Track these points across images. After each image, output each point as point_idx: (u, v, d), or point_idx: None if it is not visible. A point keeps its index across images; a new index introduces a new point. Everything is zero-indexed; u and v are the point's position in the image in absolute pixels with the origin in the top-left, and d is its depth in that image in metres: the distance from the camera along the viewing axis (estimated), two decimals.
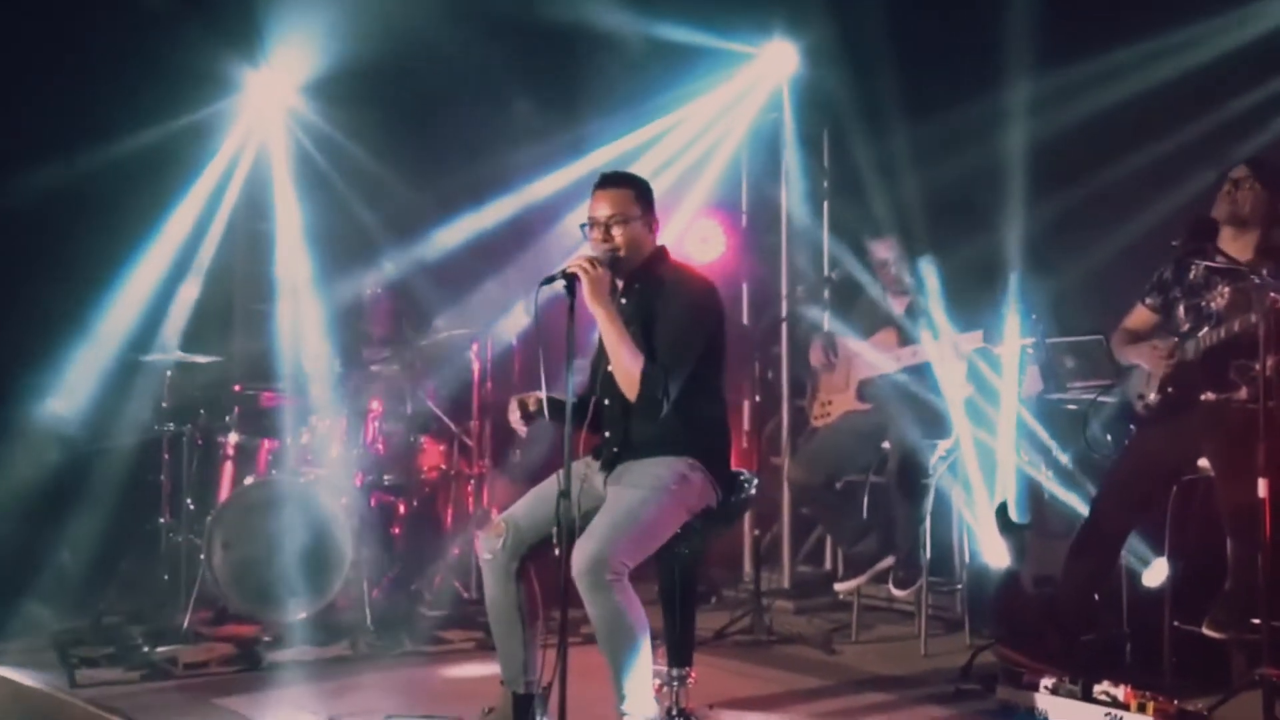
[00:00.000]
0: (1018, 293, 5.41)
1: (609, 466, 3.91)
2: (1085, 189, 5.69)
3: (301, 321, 6.50)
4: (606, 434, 3.95)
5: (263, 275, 7.07)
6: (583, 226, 3.94)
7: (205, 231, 6.83)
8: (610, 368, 3.87)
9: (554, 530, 3.61)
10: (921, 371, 5.44)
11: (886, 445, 5.55)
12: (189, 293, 6.62)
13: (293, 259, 6.85)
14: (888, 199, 6.16)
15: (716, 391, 3.97)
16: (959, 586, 5.65)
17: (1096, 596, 4.57)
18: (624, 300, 3.95)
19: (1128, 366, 4.69)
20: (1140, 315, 4.71)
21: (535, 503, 3.88)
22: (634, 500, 3.72)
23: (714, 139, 7.19)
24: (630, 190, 3.95)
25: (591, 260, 3.76)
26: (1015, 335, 5.16)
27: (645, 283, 3.96)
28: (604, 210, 3.92)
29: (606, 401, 3.93)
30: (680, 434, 3.83)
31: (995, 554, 5.44)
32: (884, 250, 5.65)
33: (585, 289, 3.73)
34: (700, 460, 3.85)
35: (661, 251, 4.03)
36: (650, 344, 3.82)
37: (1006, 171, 5.87)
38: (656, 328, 3.84)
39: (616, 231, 3.90)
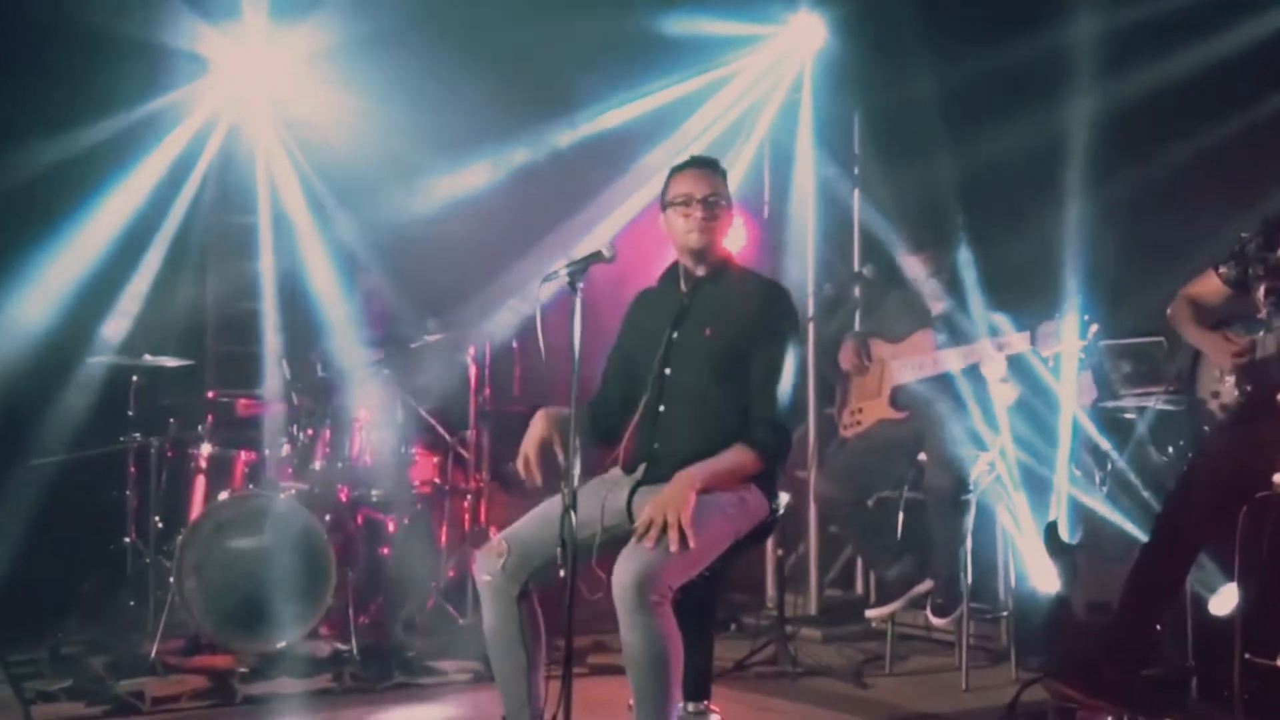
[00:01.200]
0: (1071, 290, 5.41)
1: (648, 481, 3.85)
2: (1148, 172, 5.64)
3: (282, 322, 6.49)
4: (656, 445, 3.90)
5: (240, 272, 7.08)
6: (668, 208, 3.90)
7: (171, 225, 6.82)
8: (668, 370, 3.85)
9: (559, 549, 3.58)
10: (962, 377, 5.45)
11: (923, 457, 5.56)
12: (159, 291, 6.62)
13: (276, 253, 6.85)
14: (924, 187, 6.16)
15: None
16: (1004, 614, 5.66)
17: (1158, 626, 4.51)
18: (686, 302, 3.92)
19: (1191, 365, 4.60)
20: (1209, 284, 4.48)
21: (540, 519, 3.85)
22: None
23: (733, 120, 7.21)
24: (720, 175, 3.93)
25: (657, 525, 3.55)
26: (1068, 336, 5.12)
27: (715, 282, 3.93)
28: (705, 188, 3.86)
29: (663, 409, 3.88)
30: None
31: (1044, 578, 5.41)
32: (918, 266, 5.66)
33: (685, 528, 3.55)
34: (757, 481, 3.82)
35: (729, 251, 4.01)
36: (727, 350, 3.79)
37: (1059, 154, 5.85)
38: (752, 352, 3.78)
39: (715, 213, 3.85)
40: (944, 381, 5.48)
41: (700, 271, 3.93)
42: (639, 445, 3.94)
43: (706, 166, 3.93)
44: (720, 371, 3.80)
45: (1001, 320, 5.37)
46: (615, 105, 7.03)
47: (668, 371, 3.87)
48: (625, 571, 3.52)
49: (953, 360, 5.45)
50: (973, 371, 5.42)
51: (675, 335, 3.88)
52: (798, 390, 3.84)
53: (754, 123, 7.19)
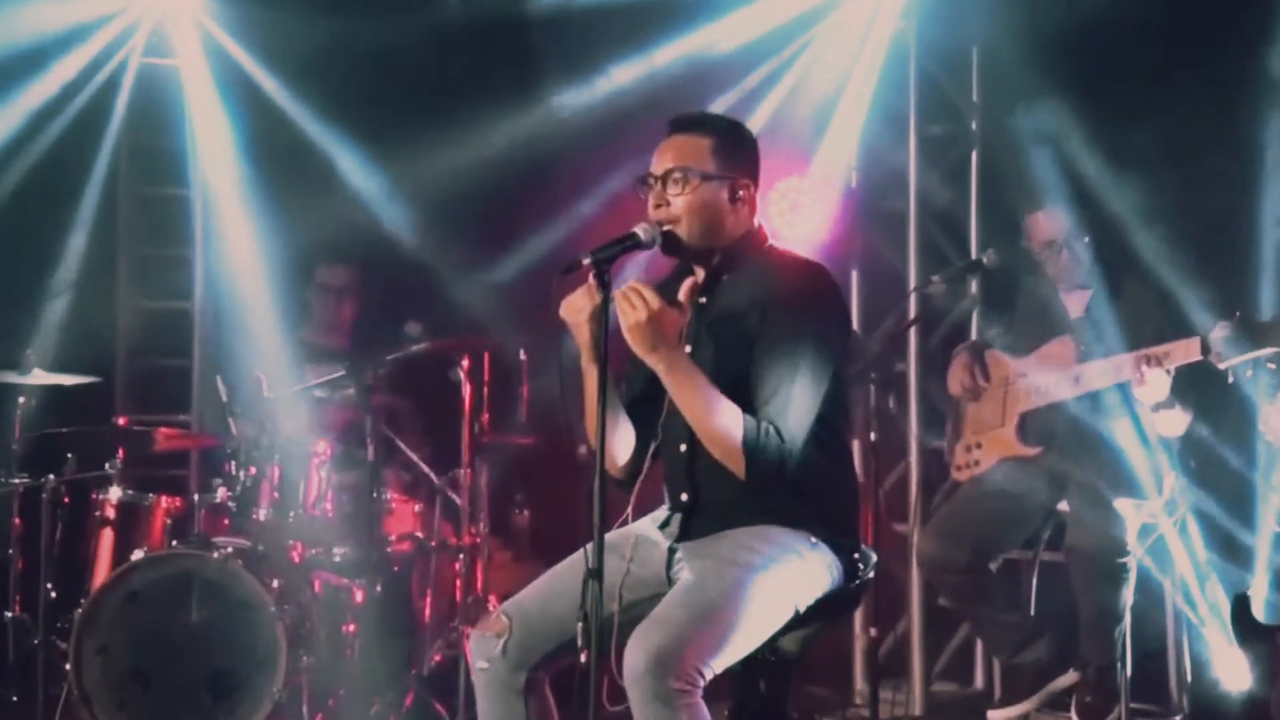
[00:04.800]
0: (1263, 276, 5.43)
1: (684, 538, 3.89)
2: None
3: (217, 326, 6.51)
4: (683, 495, 3.93)
5: (163, 260, 7.09)
6: (640, 185, 3.95)
7: (69, 195, 6.86)
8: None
9: (579, 627, 3.55)
10: (1114, 400, 5.42)
11: (1064, 508, 5.54)
12: (55, 285, 6.67)
13: (216, 233, 6.89)
14: (1062, 146, 6.15)
15: (839, 433, 3.96)
16: (1176, 718, 5.63)
17: None
18: (702, 301, 3.94)
19: None
20: None
21: (553, 587, 3.87)
22: (723, 584, 3.70)
23: (809, 59, 7.25)
24: (707, 137, 3.95)
25: (639, 290, 3.67)
26: (1261, 338, 5.03)
27: (734, 277, 3.94)
28: (667, 159, 3.92)
29: (683, 448, 3.91)
30: (795, 493, 3.82)
31: (1232, 670, 5.34)
32: (1049, 225, 5.62)
33: (628, 334, 3.67)
34: (821, 533, 3.84)
35: (757, 234, 4.02)
36: (743, 378, 3.79)
37: (1249, 97, 5.82)
38: (757, 353, 3.81)
39: (674, 192, 3.88)
40: (1093, 406, 5.46)
41: (702, 270, 3.96)
42: (668, 494, 3.99)
43: (680, 129, 3.98)
44: (742, 386, 3.81)
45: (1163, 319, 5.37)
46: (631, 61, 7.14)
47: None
48: (638, 651, 3.54)
49: (1103, 375, 5.41)
50: (1127, 392, 5.40)
51: (690, 348, 3.91)
52: (808, 387, 3.78)
53: (839, 62, 7.22)
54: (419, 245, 7.06)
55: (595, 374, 3.70)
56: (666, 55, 7.14)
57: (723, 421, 3.71)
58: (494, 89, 7.14)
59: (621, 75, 7.17)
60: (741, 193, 3.95)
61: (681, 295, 3.80)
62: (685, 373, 3.72)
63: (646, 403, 3.97)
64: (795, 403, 3.75)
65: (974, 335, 6.71)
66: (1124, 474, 5.36)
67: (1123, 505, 5.32)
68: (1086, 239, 5.59)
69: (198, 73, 7.16)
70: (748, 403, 3.76)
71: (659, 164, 3.93)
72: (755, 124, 6.91)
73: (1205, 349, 5.09)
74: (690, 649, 3.54)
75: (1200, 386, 5.35)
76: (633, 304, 3.65)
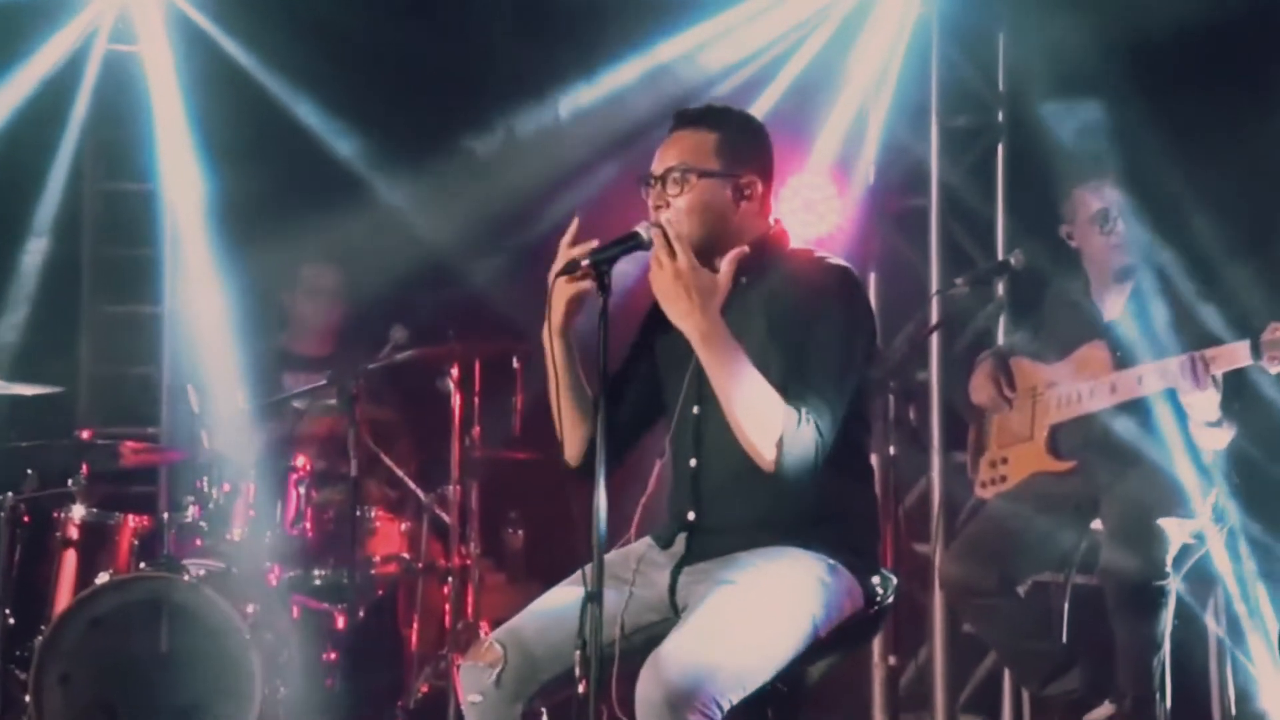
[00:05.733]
0: None
1: (691, 559, 3.87)
2: None
3: (190, 331, 6.49)
4: (690, 514, 3.92)
5: (130, 262, 7.08)
6: (643, 186, 3.95)
7: (25, 190, 6.86)
8: (696, 410, 3.89)
9: (577, 655, 3.55)
10: (1153, 410, 5.40)
11: (1098, 526, 5.53)
12: (10, 285, 6.67)
13: (180, 233, 6.87)
14: (1097, 132, 6.16)
15: (859, 447, 3.97)
16: None
17: None
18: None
19: None
20: None
21: (549, 614, 3.85)
22: (740, 610, 3.68)
23: (826, 47, 7.24)
24: (713, 132, 3.95)
25: (665, 230, 3.66)
26: None
27: (752, 281, 3.93)
28: (669, 157, 3.93)
29: (693, 462, 3.91)
30: (813, 513, 3.82)
31: (1279, 701, 5.43)
32: (1099, 196, 5.60)
33: (662, 288, 3.66)
34: (843, 556, 3.83)
35: (775, 234, 4.02)
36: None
37: None
38: (778, 352, 3.80)
39: (673, 192, 3.89)
40: (1131, 416, 5.44)
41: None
42: (671, 511, 3.98)
43: (684, 124, 3.99)
44: None
45: (1210, 315, 5.35)
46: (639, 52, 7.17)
47: (695, 411, 3.90)
48: (653, 683, 3.52)
49: (1143, 382, 5.39)
50: (1168, 401, 5.38)
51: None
52: (842, 384, 3.77)
53: (857, 50, 7.23)
54: (420, 243, 7.07)
55: (560, 349, 3.81)
56: (672, 48, 7.18)
57: (763, 405, 3.68)
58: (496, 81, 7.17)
59: (627, 72, 7.22)
60: (748, 191, 3.94)
61: (725, 268, 3.72)
62: (724, 343, 3.69)
63: (655, 384, 4.00)
64: (832, 404, 3.73)
65: (1000, 340, 6.69)
66: (1164, 490, 5.33)
67: (1163, 524, 5.29)
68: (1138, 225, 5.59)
69: (161, 57, 7.15)
70: None
71: (660, 162, 3.94)
72: (765, 115, 6.94)
73: (1256, 352, 5.09)
74: (708, 681, 3.53)
75: (1245, 394, 5.36)
76: (671, 252, 3.63)
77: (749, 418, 3.70)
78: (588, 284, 3.70)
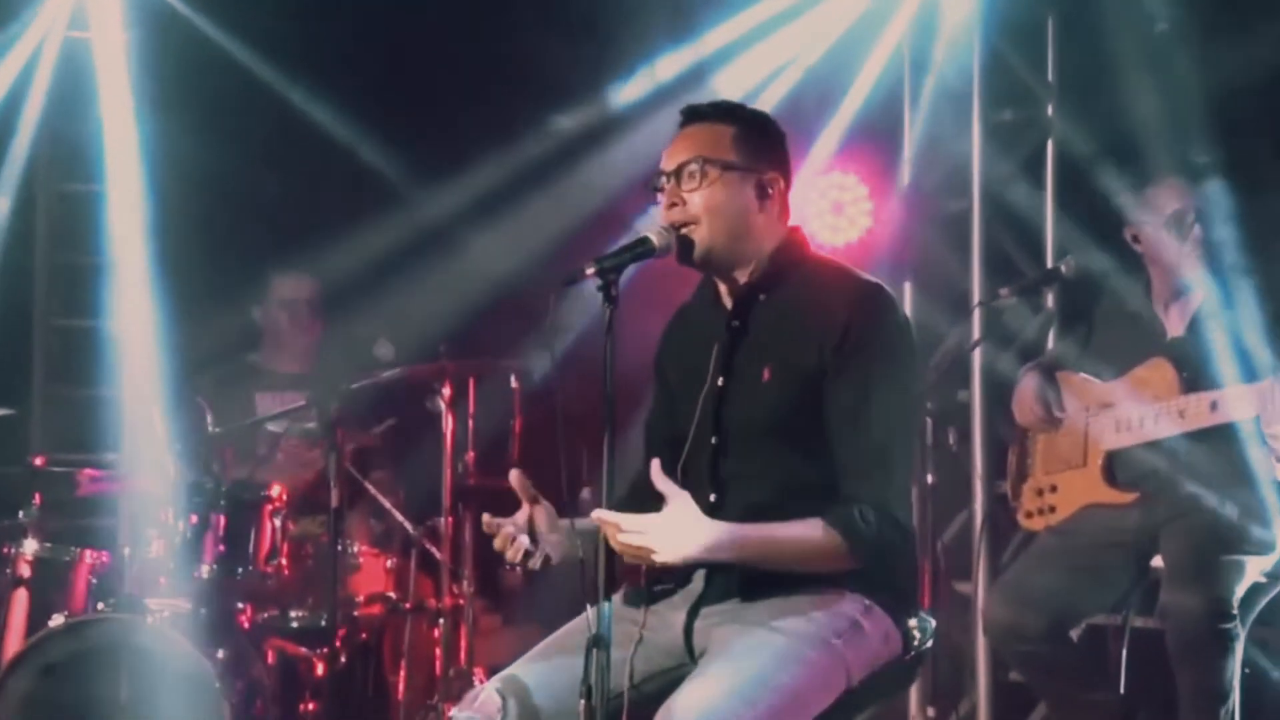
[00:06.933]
0: None
1: (709, 600, 3.87)
2: None
3: (151, 348, 6.48)
4: None
5: (88, 270, 7.08)
6: (654, 189, 3.96)
7: None
8: (714, 440, 3.91)
9: (581, 705, 3.55)
10: (1227, 435, 5.37)
11: (1157, 563, 5.51)
12: None
13: (136, 240, 6.87)
14: (1158, 132, 6.18)
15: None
16: None
17: None
18: (735, 324, 3.95)
19: None
20: None
21: (551, 660, 3.86)
22: (769, 657, 3.68)
23: (857, 35, 7.29)
24: (729, 125, 3.96)
25: (615, 524, 3.64)
26: None
27: (772, 297, 3.95)
28: (680, 153, 3.94)
29: (713, 497, 3.90)
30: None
31: None
32: (1175, 198, 5.58)
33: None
34: (879, 596, 3.83)
35: (794, 242, 4.02)
36: (801, 415, 3.82)
37: None
38: (832, 411, 3.80)
39: (690, 187, 3.89)
40: (1199, 443, 5.40)
41: (742, 278, 3.96)
42: None
43: (697, 118, 4.01)
44: (793, 434, 3.84)
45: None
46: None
47: (713, 441, 3.93)
48: None
49: (1218, 409, 5.35)
50: (1240, 428, 5.36)
51: (722, 381, 3.93)
52: (905, 446, 3.86)
53: (892, 38, 7.30)
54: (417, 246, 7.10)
55: None
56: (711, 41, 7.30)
57: (810, 551, 3.73)
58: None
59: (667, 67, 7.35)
60: (771, 189, 3.95)
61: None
62: (734, 548, 3.71)
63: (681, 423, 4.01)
64: (898, 471, 3.79)
65: (1048, 356, 6.67)
66: (1232, 524, 5.30)
67: (1230, 560, 5.28)
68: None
69: (113, 40, 7.18)
70: (816, 445, 3.80)
71: (672, 158, 3.95)
72: (787, 110, 6.96)
73: None
74: None
75: None
76: (632, 545, 3.61)
77: (809, 567, 3.76)
78: None
